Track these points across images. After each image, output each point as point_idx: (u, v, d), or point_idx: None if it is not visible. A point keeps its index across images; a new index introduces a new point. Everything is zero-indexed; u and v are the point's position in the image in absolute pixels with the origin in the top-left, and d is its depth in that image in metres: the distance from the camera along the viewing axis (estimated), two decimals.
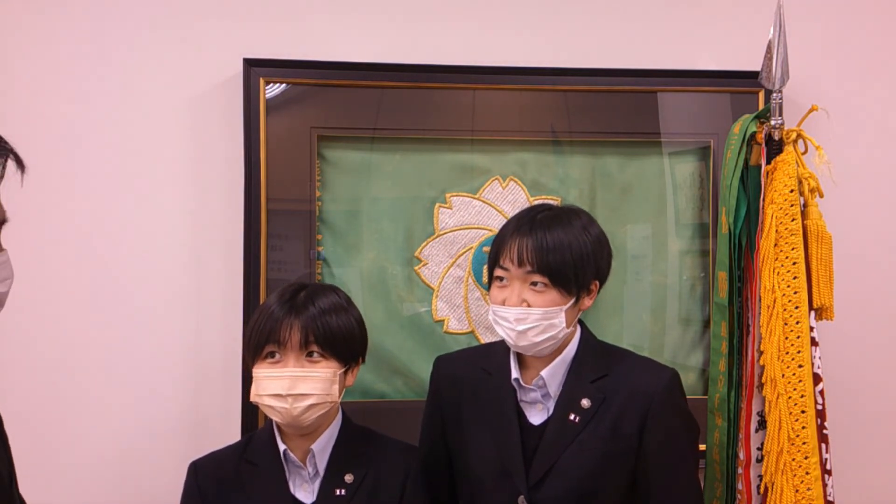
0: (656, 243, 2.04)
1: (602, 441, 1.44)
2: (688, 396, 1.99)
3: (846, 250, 1.93)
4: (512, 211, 2.00)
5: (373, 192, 1.98)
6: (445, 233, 2.00)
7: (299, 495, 1.41)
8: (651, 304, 2.04)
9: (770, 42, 1.70)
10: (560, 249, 1.41)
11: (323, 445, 1.44)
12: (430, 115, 1.97)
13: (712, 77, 2.00)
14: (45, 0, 1.91)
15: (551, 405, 1.48)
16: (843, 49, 2.07)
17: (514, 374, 1.50)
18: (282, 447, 1.43)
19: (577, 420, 1.45)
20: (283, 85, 1.92)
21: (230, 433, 1.89)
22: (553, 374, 1.48)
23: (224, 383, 1.92)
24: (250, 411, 1.88)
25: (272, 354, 1.39)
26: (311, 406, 1.38)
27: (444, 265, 1.99)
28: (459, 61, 1.95)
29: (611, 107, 2.00)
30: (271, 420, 1.44)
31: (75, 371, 1.91)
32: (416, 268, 1.99)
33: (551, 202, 1.94)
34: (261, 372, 1.39)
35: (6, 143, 1.00)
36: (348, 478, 1.42)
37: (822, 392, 1.63)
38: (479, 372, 1.56)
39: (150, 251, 1.92)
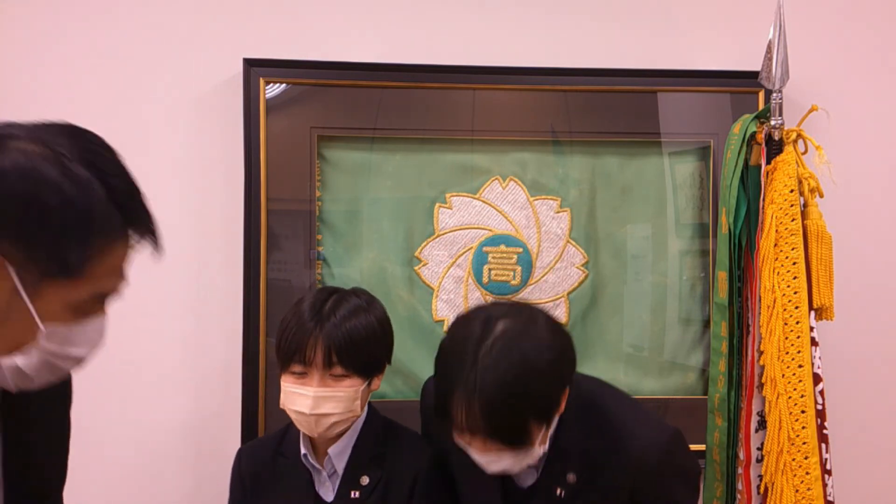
0: (656, 243, 2.04)
1: None
2: (688, 396, 2.01)
3: (846, 250, 1.93)
4: (512, 211, 2.01)
5: (373, 192, 1.98)
6: (445, 233, 2.00)
7: (321, 492, 1.48)
8: (651, 304, 2.04)
9: (770, 42, 1.70)
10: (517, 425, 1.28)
11: (341, 449, 1.49)
12: (430, 115, 1.97)
13: (712, 77, 2.00)
14: (46, 0, 1.91)
15: (540, 466, 1.39)
16: (843, 49, 2.07)
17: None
18: (302, 450, 1.48)
19: (562, 495, 1.36)
20: (283, 85, 1.92)
21: (230, 434, 1.90)
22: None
23: (224, 384, 1.92)
24: (250, 412, 1.88)
25: (299, 371, 1.43)
26: (333, 423, 1.43)
27: (444, 265, 1.99)
28: (459, 61, 1.95)
29: (611, 107, 2.00)
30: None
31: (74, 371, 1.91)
32: (416, 268, 1.99)
33: None
34: (287, 386, 1.44)
35: (152, 221, 1.01)
36: (364, 480, 1.47)
37: (822, 392, 1.63)
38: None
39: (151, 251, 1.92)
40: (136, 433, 1.93)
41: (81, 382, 1.91)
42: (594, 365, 2.01)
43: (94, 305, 0.95)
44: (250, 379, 1.88)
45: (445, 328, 1.97)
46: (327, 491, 1.48)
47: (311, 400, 1.40)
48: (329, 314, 1.43)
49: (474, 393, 1.20)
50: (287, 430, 1.56)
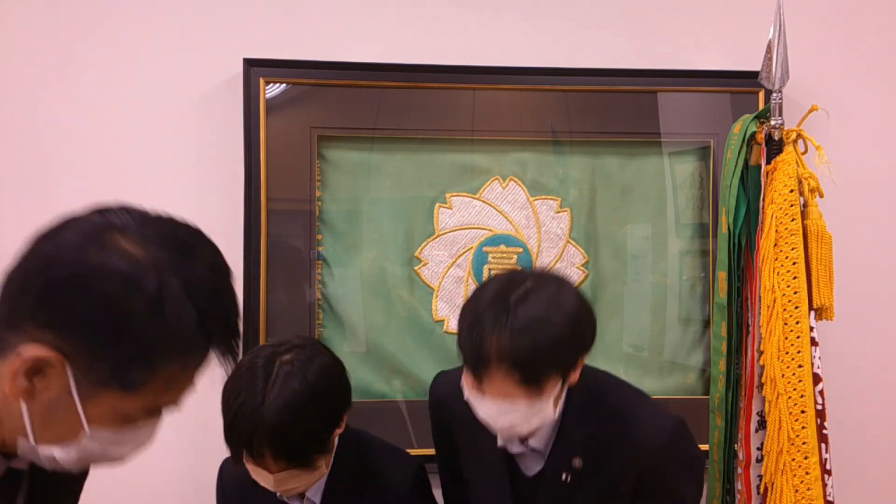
0: (656, 243, 2.04)
1: (598, 501, 1.37)
2: (688, 396, 2.01)
3: (846, 250, 1.93)
4: (512, 211, 2.00)
5: (373, 192, 1.98)
6: (445, 233, 2.00)
7: None
8: (651, 304, 2.04)
9: (770, 42, 1.70)
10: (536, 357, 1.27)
11: (316, 489, 1.41)
12: (430, 115, 1.97)
13: (712, 77, 2.00)
14: (46, 1, 1.91)
15: (546, 453, 1.39)
16: (842, 49, 2.07)
17: (500, 440, 1.40)
18: (278, 492, 1.37)
19: (569, 480, 1.36)
20: (283, 85, 1.92)
21: None
22: (539, 435, 1.38)
23: (224, 383, 1.92)
24: None
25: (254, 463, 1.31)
26: (301, 492, 1.38)
27: (444, 265, 1.99)
28: (459, 61, 1.95)
29: (611, 107, 2.00)
30: None
31: None
32: (416, 268, 1.99)
33: None
34: (247, 463, 1.31)
35: (237, 343, 0.90)
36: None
37: (821, 392, 1.63)
38: (468, 405, 1.38)
39: None
40: None
41: None
42: (594, 365, 2.00)
43: (148, 415, 0.89)
44: None
45: (445, 328, 1.98)
46: None
47: (272, 481, 1.30)
48: (262, 400, 1.27)
49: (506, 321, 1.21)
50: None
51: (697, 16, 2.04)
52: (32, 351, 0.76)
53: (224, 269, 0.91)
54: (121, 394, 0.82)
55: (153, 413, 0.90)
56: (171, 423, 1.98)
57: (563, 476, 1.36)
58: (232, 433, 1.27)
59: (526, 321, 1.21)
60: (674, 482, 1.38)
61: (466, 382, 1.30)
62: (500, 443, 1.40)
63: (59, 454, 0.85)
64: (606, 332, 2.03)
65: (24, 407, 0.80)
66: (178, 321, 0.80)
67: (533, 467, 1.40)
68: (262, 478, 1.31)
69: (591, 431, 1.36)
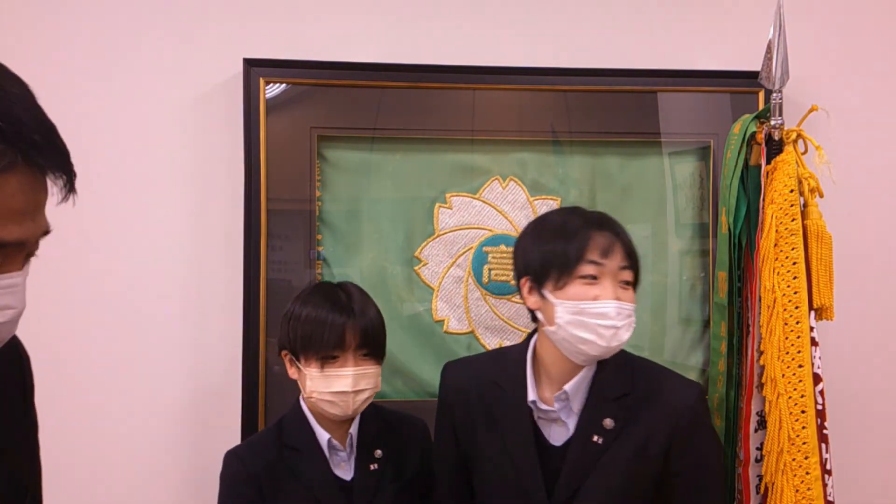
0: (656, 243, 2.04)
1: (627, 463, 1.38)
2: None
3: (846, 250, 1.93)
4: (512, 211, 2.00)
5: (373, 192, 1.98)
6: (445, 233, 2.00)
7: (340, 473, 1.52)
8: (651, 304, 2.04)
9: (770, 42, 1.70)
10: (635, 248, 1.41)
11: (356, 428, 1.55)
12: (430, 115, 1.97)
13: (712, 77, 2.00)
14: (45, 1, 1.91)
15: (572, 423, 1.41)
16: (843, 49, 2.07)
17: (532, 395, 1.43)
18: (325, 435, 1.52)
19: (600, 441, 1.38)
20: (283, 85, 1.92)
21: (230, 433, 1.89)
22: (577, 390, 1.41)
23: (224, 383, 1.92)
24: (250, 412, 1.88)
25: (332, 357, 1.48)
26: (366, 399, 1.51)
27: (444, 265, 1.99)
28: (459, 61, 1.95)
29: (611, 107, 2.00)
30: (298, 407, 1.55)
31: (74, 371, 1.91)
32: (416, 268, 1.99)
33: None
34: (320, 371, 1.48)
35: (69, 163, 0.89)
36: (377, 453, 1.54)
37: (822, 392, 1.63)
38: (490, 386, 1.49)
39: (151, 251, 1.92)
40: (135, 433, 1.92)
41: (80, 382, 1.92)
42: None
43: None
44: (250, 379, 1.88)
45: (445, 328, 1.98)
46: (344, 471, 1.53)
47: (350, 379, 1.47)
48: (349, 303, 1.51)
49: (607, 225, 1.40)
50: (281, 425, 1.58)
51: (697, 16, 2.04)
52: None
53: (16, 81, 0.91)
54: None
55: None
56: (172, 424, 1.98)
57: (594, 438, 1.39)
58: (321, 332, 1.46)
59: (611, 220, 1.43)
60: (703, 447, 1.43)
61: (575, 294, 1.35)
62: (531, 396, 1.42)
63: None
64: None
65: None
66: None
67: (559, 437, 1.43)
68: (340, 381, 1.47)
69: (621, 393, 1.41)
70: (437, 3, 1.99)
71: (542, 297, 1.40)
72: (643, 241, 2.04)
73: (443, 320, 1.99)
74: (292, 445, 1.53)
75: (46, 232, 0.92)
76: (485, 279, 1.99)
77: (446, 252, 1.99)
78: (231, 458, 1.55)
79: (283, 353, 1.55)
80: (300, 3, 1.96)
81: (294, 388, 1.92)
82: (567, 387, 1.41)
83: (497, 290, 1.99)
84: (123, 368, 1.92)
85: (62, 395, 1.90)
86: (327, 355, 1.48)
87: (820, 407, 1.62)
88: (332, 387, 1.47)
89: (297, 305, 1.53)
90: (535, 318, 1.47)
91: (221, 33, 1.94)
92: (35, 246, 0.90)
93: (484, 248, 2.00)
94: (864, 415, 2.06)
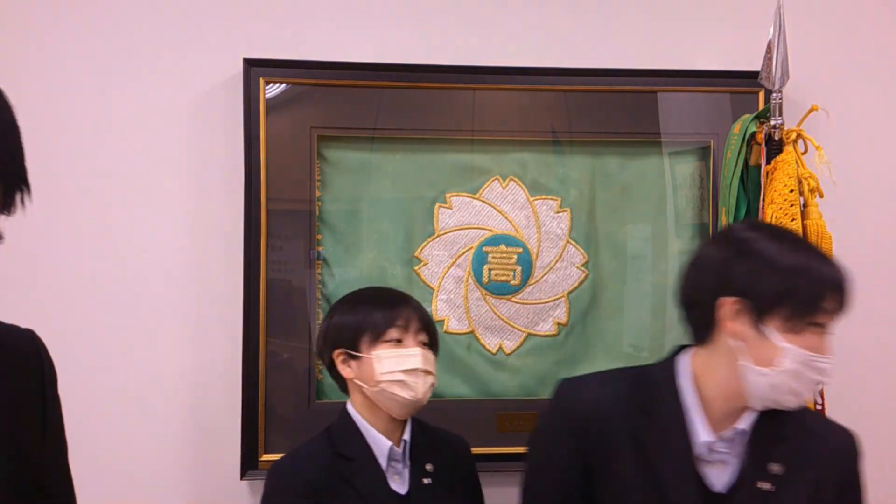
0: (656, 243, 2.04)
1: None
2: None
3: (846, 250, 1.93)
4: (512, 211, 2.00)
5: (373, 192, 1.98)
6: (445, 233, 2.00)
7: (395, 486, 1.47)
8: (651, 304, 2.04)
9: (770, 42, 1.70)
10: None
11: (409, 437, 1.52)
12: (430, 115, 1.97)
13: (712, 77, 2.00)
14: (45, 1, 1.91)
15: (732, 466, 1.26)
16: (843, 49, 2.07)
17: (705, 434, 1.24)
18: (386, 443, 1.48)
19: (769, 488, 1.23)
20: (283, 85, 1.92)
21: (230, 433, 1.90)
22: (747, 427, 1.26)
23: (224, 383, 1.92)
24: (250, 411, 1.88)
25: (397, 340, 1.48)
26: (431, 385, 1.50)
27: (444, 265, 1.99)
28: (459, 61, 1.95)
29: (611, 107, 2.00)
30: (348, 415, 1.51)
31: (74, 370, 1.91)
32: (416, 268, 1.99)
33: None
34: (390, 352, 1.47)
35: (24, 174, 0.97)
36: (429, 467, 1.50)
37: (821, 392, 1.63)
38: (637, 414, 1.27)
39: (151, 251, 1.92)
40: (135, 433, 1.92)
41: (80, 382, 1.92)
42: (594, 365, 2.01)
43: None
44: (250, 379, 1.88)
45: (445, 328, 1.98)
46: (398, 484, 1.47)
47: (420, 357, 1.47)
48: (402, 294, 1.56)
49: (836, 267, 1.21)
50: (330, 435, 1.51)
51: (697, 16, 2.04)
52: None
53: None
54: None
55: None
56: (172, 424, 1.98)
57: (764, 485, 1.24)
58: (384, 315, 1.48)
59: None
60: (861, 489, 1.37)
61: (804, 343, 1.18)
62: (703, 437, 1.24)
63: None
64: (606, 332, 2.03)
65: None
66: None
67: (720, 481, 1.26)
68: (410, 359, 1.46)
69: (783, 435, 1.27)
70: (437, 3, 1.99)
71: (760, 332, 1.20)
72: (643, 241, 2.04)
73: (443, 320, 1.99)
74: (346, 455, 1.47)
75: None
76: (485, 279, 1.99)
77: (446, 252, 1.99)
78: (282, 469, 1.48)
79: (336, 352, 1.51)
80: (300, 3, 1.96)
81: (296, 389, 1.93)
82: (742, 425, 1.25)
83: (497, 290, 1.99)
84: (123, 368, 1.92)
85: (61, 395, 1.89)
86: (391, 338, 1.47)
87: (819, 407, 1.62)
88: (404, 364, 1.46)
89: (345, 306, 1.54)
90: (703, 337, 1.27)
91: (221, 33, 1.94)
92: None
93: (484, 248, 2.00)
94: (864, 415, 2.06)
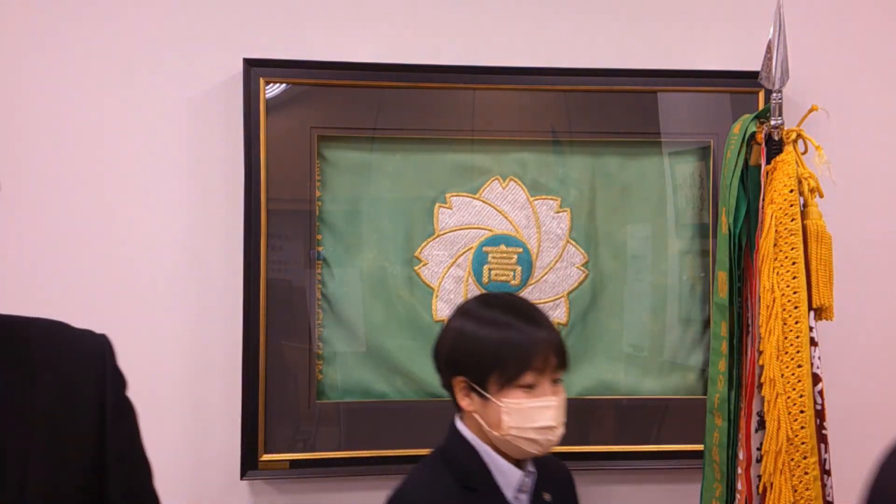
0: (656, 243, 2.04)
1: None
2: (688, 396, 2.02)
3: (846, 250, 1.93)
4: (512, 211, 2.00)
5: (373, 192, 1.98)
6: (445, 233, 2.00)
7: None
8: (651, 304, 2.04)
9: (770, 42, 1.70)
10: None
11: (534, 468, 1.42)
12: (430, 115, 1.97)
13: (712, 77, 2.00)
14: (44, 2, 1.91)
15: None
16: (843, 49, 2.07)
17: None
18: (516, 473, 1.37)
19: None
20: (283, 85, 1.92)
21: (230, 434, 1.90)
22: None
23: (224, 383, 1.92)
24: (250, 412, 1.88)
25: (529, 385, 1.31)
26: (560, 436, 1.36)
27: (444, 265, 1.99)
28: (459, 61, 1.95)
29: (611, 107, 2.00)
30: (464, 440, 1.38)
31: None
32: (416, 268, 1.99)
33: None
34: (522, 402, 1.30)
35: None
36: (547, 497, 1.41)
37: (821, 392, 1.63)
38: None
39: (151, 251, 1.93)
40: None
41: None
42: (594, 365, 2.01)
43: None
44: (250, 379, 1.88)
45: None
46: None
47: (555, 410, 1.31)
48: (537, 315, 1.35)
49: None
50: (446, 459, 1.39)
51: (697, 16, 2.04)
52: None
53: None
54: None
55: None
56: (171, 424, 1.98)
57: None
58: (520, 352, 1.31)
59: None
60: None
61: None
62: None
63: None
64: (606, 332, 2.03)
65: None
66: None
67: None
68: (545, 413, 1.31)
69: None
70: (436, 2, 1.99)
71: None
72: (643, 241, 2.04)
73: (443, 320, 1.99)
74: (472, 486, 1.34)
75: None
76: (485, 279, 1.99)
77: (446, 252, 2.00)
78: (405, 500, 1.36)
79: (458, 380, 1.35)
80: (300, 3, 1.96)
81: (296, 390, 1.93)
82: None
83: (497, 290, 1.99)
84: (122, 368, 1.92)
85: None
86: (525, 383, 1.29)
87: (819, 407, 1.62)
88: (536, 421, 1.29)
89: (472, 322, 1.35)
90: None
91: (221, 33, 1.94)
92: None
93: (484, 248, 2.00)
94: (864, 415, 2.06)
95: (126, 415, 1.12)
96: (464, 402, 1.36)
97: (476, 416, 1.35)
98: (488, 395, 1.31)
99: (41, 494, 0.94)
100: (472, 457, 1.36)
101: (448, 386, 1.40)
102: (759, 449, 1.66)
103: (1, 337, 1.00)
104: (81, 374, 1.04)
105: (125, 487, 1.09)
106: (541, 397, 1.30)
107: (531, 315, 1.34)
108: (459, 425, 1.40)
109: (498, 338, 1.32)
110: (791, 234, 1.62)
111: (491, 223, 2.00)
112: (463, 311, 1.41)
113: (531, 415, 1.29)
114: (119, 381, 1.11)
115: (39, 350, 1.02)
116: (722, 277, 1.74)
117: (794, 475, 1.57)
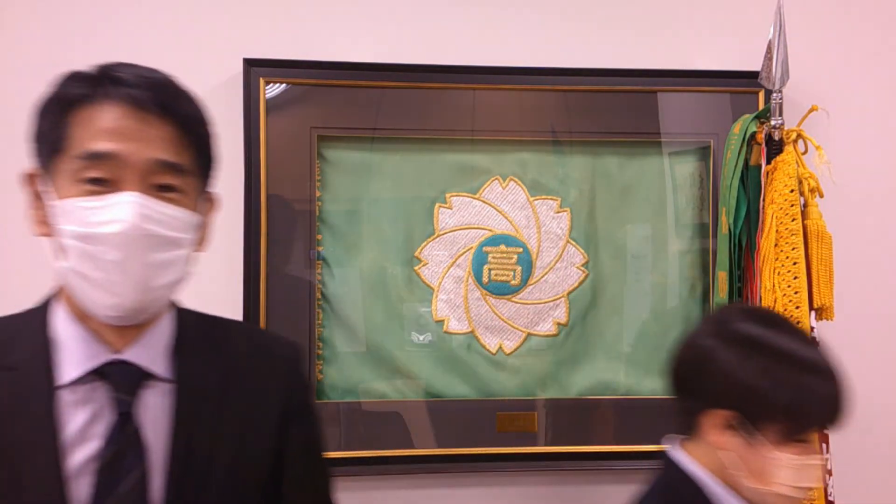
0: (656, 243, 2.04)
1: None
2: None
3: (846, 250, 1.93)
4: (512, 211, 2.00)
5: (373, 192, 1.98)
6: (445, 233, 2.00)
7: None
8: (651, 304, 2.04)
9: (770, 42, 1.70)
10: None
11: None
12: (430, 115, 1.97)
13: (712, 77, 2.00)
14: (45, 1, 1.91)
15: None
16: (843, 49, 2.07)
17: None
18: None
19: None
20: (283, 85, 1.92)
21: None
22: None
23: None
24: None
25: (804, 439, 1.15)
26: None
27: (444, 265, 1.99)
28: (459, 61, 1.95)
29: (611, 107, 2.00)
30: (695, 485, 1.19)
31: None
32: (416, 268, 1.99)
33: None
34: (802, 460, 1.13)
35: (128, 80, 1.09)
36: None
37: None
38: None
39: None
40: None
41: None
42: (594, 365, 2.01)
43: (92, 180, 0.99)
44: None
45: (445, 328, 1.98)
46: None
47: (819, 468, 1.17)
48: (831, 364, 1.15)
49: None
50: (672, 496, 1.22)
51: (697, 16, 2.04)
52: None
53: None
54: (62, 158, 1.05)
55: (94, 168, 1.01)
56: None
57: None
58: (825, 406, 1.13)
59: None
60: None
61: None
62: None
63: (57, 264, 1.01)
64: (606, 332, 2.03)
65: None
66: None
67: None
68: (813, 473, 1.14)
69: None
70: (436, 2, 1.99)
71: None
72: (643, 241, 2.04)
73: (443, 320, 1.99)
74: None
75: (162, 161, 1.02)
76: (485, 279, 1.99)
77: (446, 252, 1.99)
78: None
79: (722, 413, 1.14)
80: (300, 3, 1.96)
81: None
82: None
83: (497, 290, 1.99)
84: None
85: None
86: (806, 438, 1.14)
87: None
88: (806, 480, 1.13)
89: (760, 351, 1.13)
90: None
91: (221, 33, 1.94)
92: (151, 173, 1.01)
93: (484, 248, 2.00)
94: (864, 415, 2.05)
95: (307, 422, 1.15)
96: (719, 439, 1.15)
97: (728, 456, 1.15)
98: (763, 443, 1.12)
99: (225, 485, 1.01)
100: (696, 490, 1.18)
101: (692, 411, 1.19)
102: None
103: (203, 334, 1.11)
104: (272, 377, 1.10)
105: (299, 490, 1.13)
106: (813, 455, 1.15)
107: (830, 365, 1.14)
108: (684, 460, 1.19)
109: (801, 383, 1.12)
110: (792, 235, 1.62)
111: (491, 223, 2.00)
112: (741, 335, 1.16)
113: (806, 473, 1.13)
114: (304, 388, 1.16)
115: (236, 350, 1.10)
116: (722, 277, 1.74)
117: None
